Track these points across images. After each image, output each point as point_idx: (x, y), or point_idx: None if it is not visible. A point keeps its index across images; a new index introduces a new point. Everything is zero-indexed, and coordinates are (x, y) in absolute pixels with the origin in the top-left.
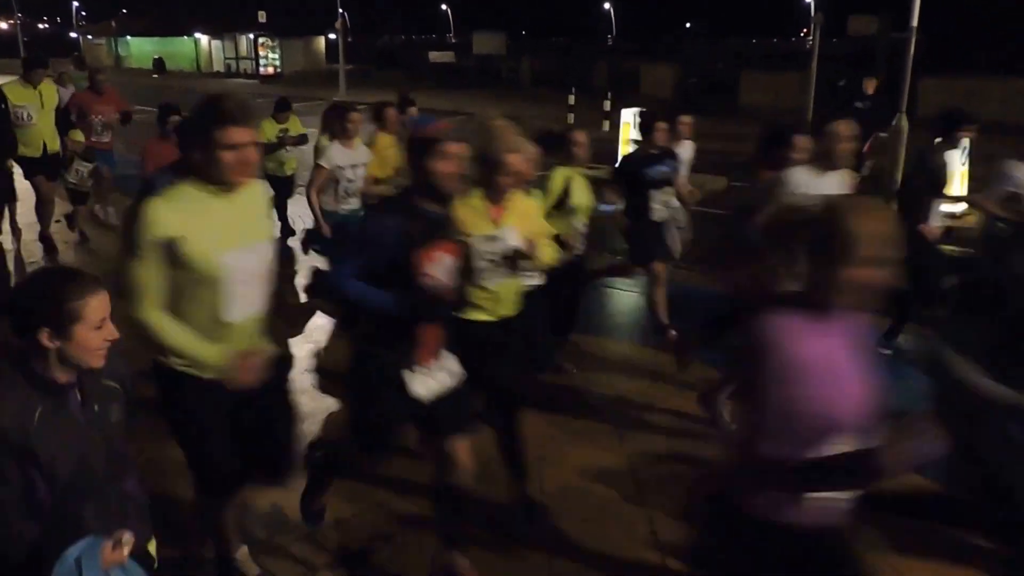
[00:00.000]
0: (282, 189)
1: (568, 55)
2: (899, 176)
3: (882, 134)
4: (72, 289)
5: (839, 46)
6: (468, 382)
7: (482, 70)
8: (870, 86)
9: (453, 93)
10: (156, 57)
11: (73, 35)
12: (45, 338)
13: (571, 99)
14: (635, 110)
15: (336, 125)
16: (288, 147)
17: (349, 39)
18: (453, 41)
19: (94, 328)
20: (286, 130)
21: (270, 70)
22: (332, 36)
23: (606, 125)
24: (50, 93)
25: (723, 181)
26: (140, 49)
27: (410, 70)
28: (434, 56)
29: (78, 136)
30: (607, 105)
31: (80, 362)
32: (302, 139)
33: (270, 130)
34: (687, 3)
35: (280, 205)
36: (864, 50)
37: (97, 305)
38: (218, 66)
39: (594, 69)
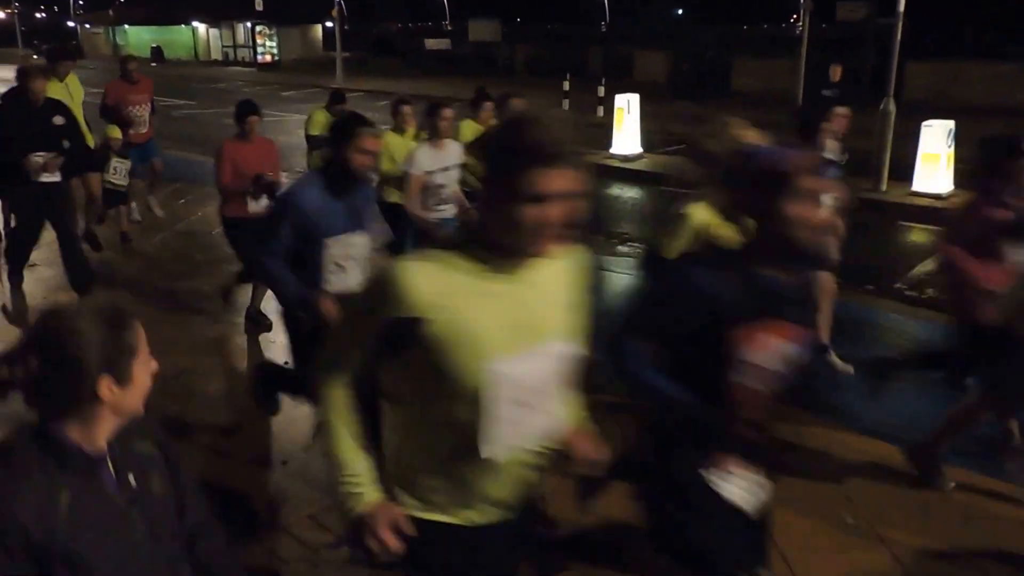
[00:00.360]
0: None
1: (562, 41)
2: (887, 157)
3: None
4: (116, 320)
5: (828, 32)
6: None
7: (478, 57)
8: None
9: (449, 79)
10: (154, 46)
11: (71, 24)
12: (106, 388)
13: (566, 85)
14: (628, 96)
15: (427, 124)
16: None
17: (346, 27)
18: (449, 28)
19: (145, 362)
20: None
21: (267, 58)
22: (329, 24)
23: (600, 111)
24: (76, 85)
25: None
26: (138, 38)
27: (407, 57)
28: (430, 43)
29: (116, 133)
30: (601, 91)
31: (132, 411)
32: None
33: (324, 121)
34: None
35: None
36: (852, 35)
37: (141, 331)
38: (216, 54)
39: (588, 55)
